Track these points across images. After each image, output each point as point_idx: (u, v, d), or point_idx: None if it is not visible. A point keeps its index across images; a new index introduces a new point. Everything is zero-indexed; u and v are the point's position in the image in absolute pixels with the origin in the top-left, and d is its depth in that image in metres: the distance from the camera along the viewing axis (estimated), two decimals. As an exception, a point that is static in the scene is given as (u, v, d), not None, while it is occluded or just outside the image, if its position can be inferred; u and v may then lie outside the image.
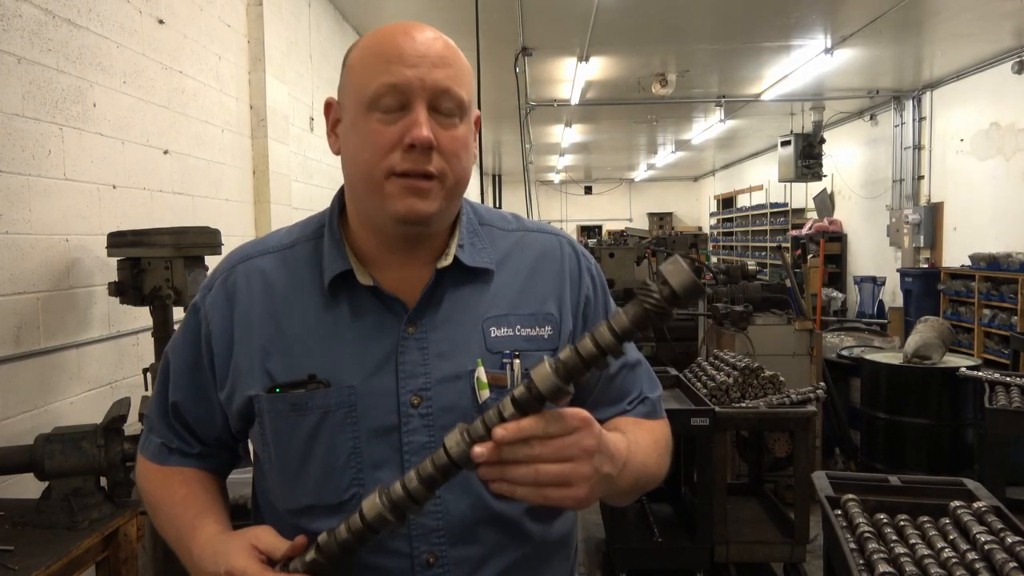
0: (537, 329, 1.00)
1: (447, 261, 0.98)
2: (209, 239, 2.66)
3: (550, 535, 1.02)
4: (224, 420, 1.03)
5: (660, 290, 0.77)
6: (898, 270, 9.37)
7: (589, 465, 0.82)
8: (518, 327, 0.99)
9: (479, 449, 0.78)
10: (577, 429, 0.81)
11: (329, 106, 1.01)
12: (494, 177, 19.22)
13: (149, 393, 2.43)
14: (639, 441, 0.98)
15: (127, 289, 2.57)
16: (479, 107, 1.13)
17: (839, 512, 2.11)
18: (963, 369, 3.84)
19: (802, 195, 13.24)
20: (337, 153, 1.00)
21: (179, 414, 1.05)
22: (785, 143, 10.45)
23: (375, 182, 0.92)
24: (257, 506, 1.07)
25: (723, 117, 10.79)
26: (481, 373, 0.95)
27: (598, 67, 8.05)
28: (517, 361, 0.97)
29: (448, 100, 0.92)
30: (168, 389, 1.06)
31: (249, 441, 1.07)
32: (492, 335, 0.98)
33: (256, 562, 0.87)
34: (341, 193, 1.04)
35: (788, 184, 12.61)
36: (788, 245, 11.66)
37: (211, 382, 1.01)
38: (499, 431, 0.78)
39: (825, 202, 12.10)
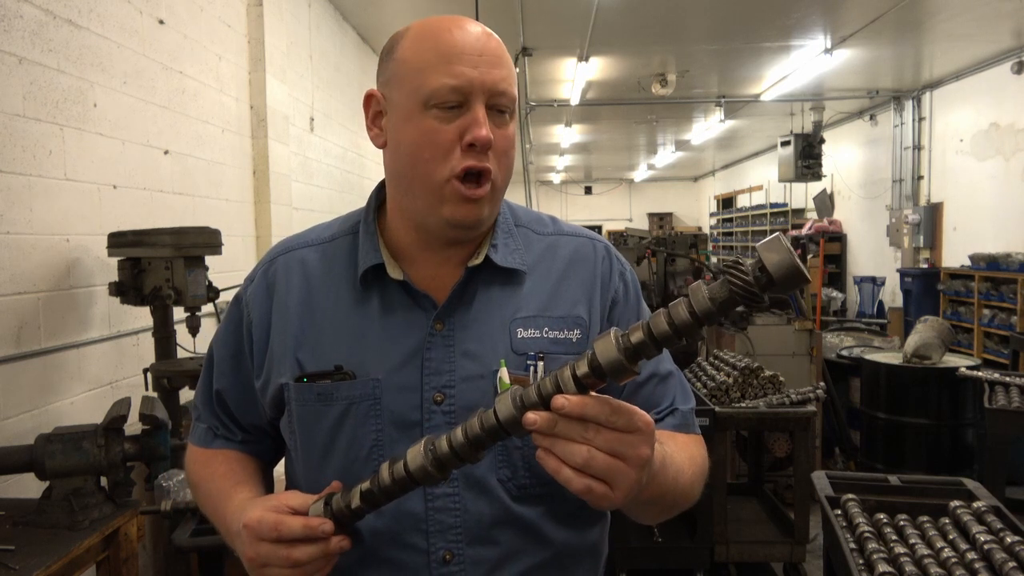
0: (566, 332, 0.99)
1: (478, 260, 0.99)
2: (209, 239, 2.67)
3: (575, 542, 1.00)
4: (264, 408, 1.04)
5: (753, 271, 0.66)
6: (898, 270, 9.37)
7: (637, 473, 0.77)
8: (546, 329, 0.99)
9: (533, 416, 0.74)
10: (639, 431, 0.76)
11: (370, 98, 1.01)
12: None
13: (150, 393, 2.44)
14: (674, 456, 0.93)
15: (127, 289, 2.57)
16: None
17: (839, 512, 2.11)
18: (963, 369, 3.84)
19: (802, 195, 13.24)
20: (381, 146, 1.00)
21: (222, 401, 1.08)
22: (785, 143, 10.45)
23: (435, 185, 0.93)
24: None
25: (723, 117, 10.79)
26: (504, 374, 0.95)
27: (598, 67, 8.05)
28: (541, 363, 0.96)
29: (504, 99, 0.94)
30: (212, 377, 1.08)
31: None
32: (518, 336, 0.97)
33: (272, 512, 0.86)
34: (379, 188, 1.05)
35: (788, 184, 12.61)
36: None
37: (251, 370, 1.04)
38: (560, 400, 0.73)
39: (825, 202, 12.10)
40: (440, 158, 0.92)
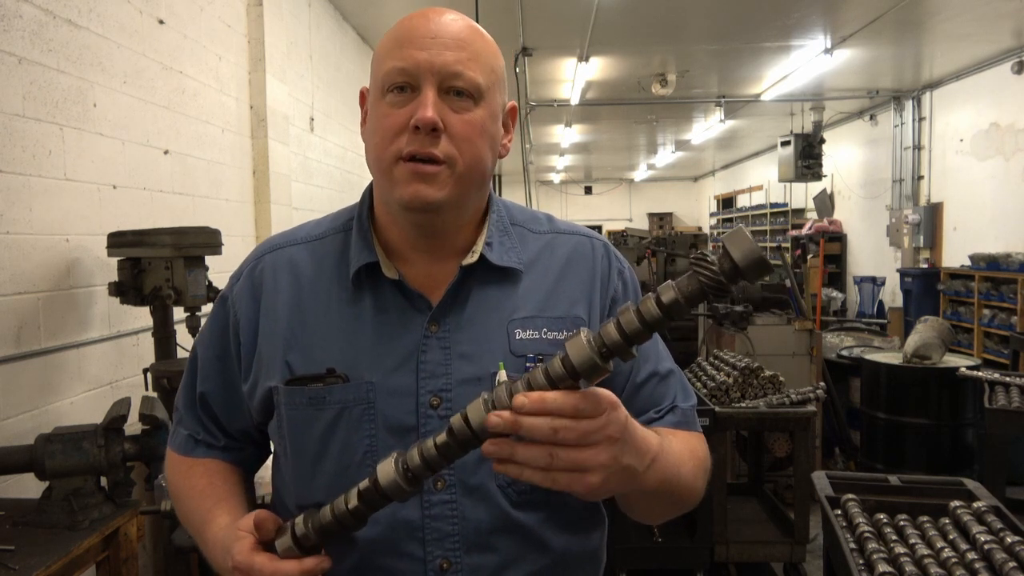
0: (565, 333, 0.96)
1: (472, 259, 0.96)
2: (209, 239, 2.67)
3: (575, 548, 0.98)
4: (250, 412, 1.02)
5: (719, 262, 0.67)
6: (898, 270, 9.37)
7: (609, 453, 0.76)
8: (544, 330, 0.96)
9: (495, 418, 0.72)
10: (606, 411, 0.75)
11: (363, 96, 1.00)
12: (494, 177, 19.20)
13: (150, 393, 2.44)
14: (673, 445, 0.91)
15: (127, 289, 2.57)
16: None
17: (839, 512, 2.11)
18: (963, 369, 3.84)
19: (802, 195, 13.23)
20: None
21: (206, 405, 1.05)
22: (785, 143, 10.44)
23: (385, 167, 0.91)
24: (275, 503, 1.06)
25: (723, 117, 10.79)
26: (503, 376, 0.91)
27: (598, 67, 8.05)
28: (540, 366, 0.94)
29: (459, 82, 0.90)
30: (196, 380, 1.05)
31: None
32: (517, 337, 0.95)
33: (260, 553, 0.84)
34: (372, 186, 1.03)
35: (788, 184, 12.61)
36: (788, 245, 11.65)
37: (238, 373, 1.01)
38: (520, 399, 0.72)
39: (825, 202, 12.09)
40: (388, 142, 0.90)
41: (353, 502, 0.80)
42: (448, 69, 0.89)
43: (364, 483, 0.80)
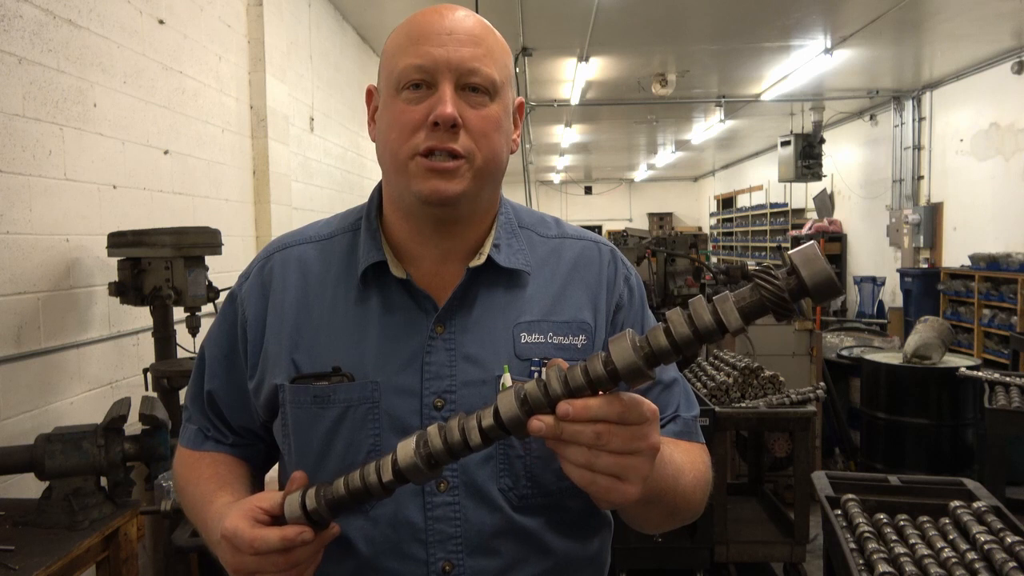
0: (570, 338, 0.96)
1: (480, 260, 0.96)
2: (209, 239, 2.67)
3: (577, 552, 0.97)
4: (257, 410, 1.01)
5: (786, 280, 0.64)
6: (898, 270, 9.37)
7: (650, 463, 0.75)
8: (550, 334, 0.96)
9: (537, 423, 0.71)
10: (648, 421, 0.74)
11: (370, 94, 1.00)
12: (494, 177, 19.14)
13: (150, 393, 2.44)
14: (672, 455, 0.90)
15: (127, 289, 2.57)
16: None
17: (839, 512, 2.11)
18: (963, 369, 3.84)
19: (802, 195, 13.24)
20: (374, 140, 0.98)
21: (214, 403, 1.05)
22: (785, 143, 10.45)
23: (400, 163, 0.91)
24: None
25: (723, 117, 10.79)
26: (507, 379, 0.91)
27: (598, 67, 8.05)
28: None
29: (476, 78, 0.90)
30: (204, 378, 1.05)
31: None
32: (522, 341, 0.95)
33: (247, 521, 0.82)
34: (381, 186, 1.03)
35: (788, 184, 12.61)
36: (788, 245, 11.65)
37: (245, 371, 1.01)
38: (564, 406, 0.70)
39: (825, 202, 12.10)
40: (405, 138, 0.90)
41: (372, 478, 0.78)
42: (465, 65, 0.89)
43: (385, 462, 0.78)
